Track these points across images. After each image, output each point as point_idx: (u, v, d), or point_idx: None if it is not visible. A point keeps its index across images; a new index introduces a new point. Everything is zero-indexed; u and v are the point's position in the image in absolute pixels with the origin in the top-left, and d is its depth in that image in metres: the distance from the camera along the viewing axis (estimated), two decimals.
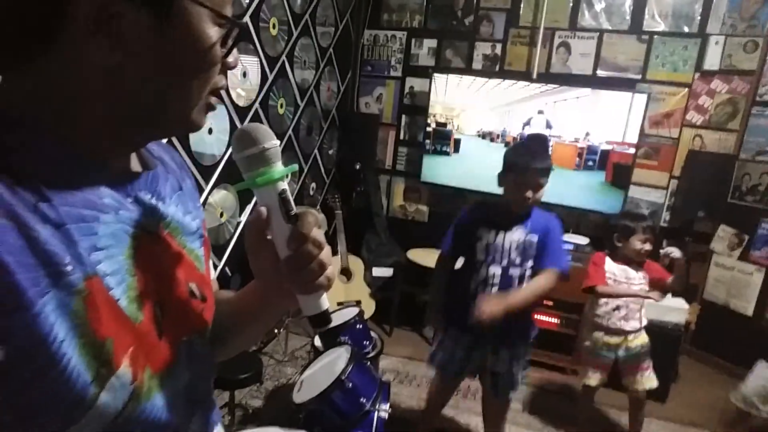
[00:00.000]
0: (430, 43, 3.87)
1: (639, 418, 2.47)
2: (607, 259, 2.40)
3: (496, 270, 2.02)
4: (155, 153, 0.67)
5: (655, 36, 3.43)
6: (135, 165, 0.61)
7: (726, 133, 3.41)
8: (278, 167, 0.61)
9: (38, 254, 0.42)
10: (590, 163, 3.42)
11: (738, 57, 3.32)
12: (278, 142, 0.61)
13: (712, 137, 3.43)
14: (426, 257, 3.57)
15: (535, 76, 3.61)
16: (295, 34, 3.11)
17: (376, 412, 1.87)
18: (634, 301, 2.35)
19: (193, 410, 0.63)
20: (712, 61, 3.37)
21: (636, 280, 2.36)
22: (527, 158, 1.95)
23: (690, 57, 3.39)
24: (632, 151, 3.33)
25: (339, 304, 2.93)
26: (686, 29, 3.38)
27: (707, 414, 2.84)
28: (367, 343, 2.31)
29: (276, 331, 3.22)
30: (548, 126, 3.46)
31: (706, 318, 3.43)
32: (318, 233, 0.61)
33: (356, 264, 3.61)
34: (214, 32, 0.52)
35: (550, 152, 2.04)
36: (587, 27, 3.55)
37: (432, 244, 3.72)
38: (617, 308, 2.36)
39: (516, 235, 1.99)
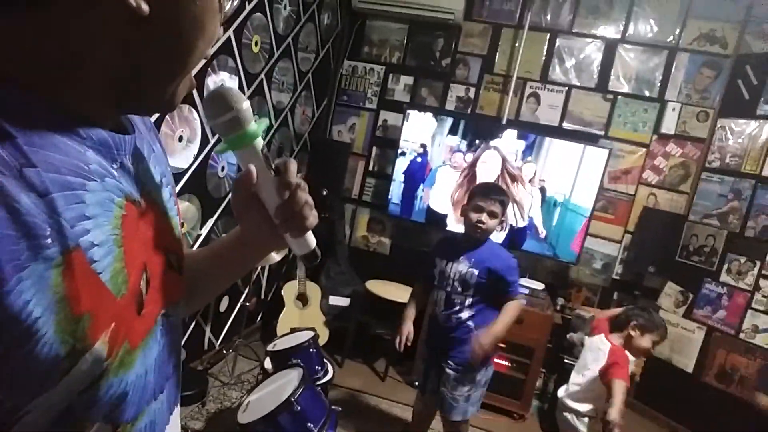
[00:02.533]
0: (406, 79, 3.97)
1: None
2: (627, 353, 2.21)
3: (442, 294, 2.26)
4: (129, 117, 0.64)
5: (619, 96, 3.63)
6: (116, 129, 0.57)
7: (678, 194, 3.59)
8: (254, 126, 0.63)
9: (18, 226, 0.39)
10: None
11: (691, 124, 3.54)
12: (248, 101, 0.62)
13: (665, 197, 3.61)
14: (385, 289, 3.56)
15: (504, 121, 3.74)
16: (276, 54, 3.14)
17: None
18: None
19: (162, 385, 0.61)
20: (668, 126, 3.58)
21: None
22: (482, 187, 2.30)
23: (649, 119, 3.60)
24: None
25: (292, 329, 2.87)
26: (647, 93, 3.59)
27: None
28: (320, 368, 2.27)
29: (224, 351, 3.11)
30: (504, 161, 3.54)
31: (650, 372, 3.52)
32: (299, 178, 0.66)
33: (314, 291, 3.57)
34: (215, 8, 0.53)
35: (506, 196, 2.23)
36: (557, 81, 3.72)
37: (392, 277, 3.73)
38: None
39: (460, 267, 2.21)
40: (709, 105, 3.50)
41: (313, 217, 0.68)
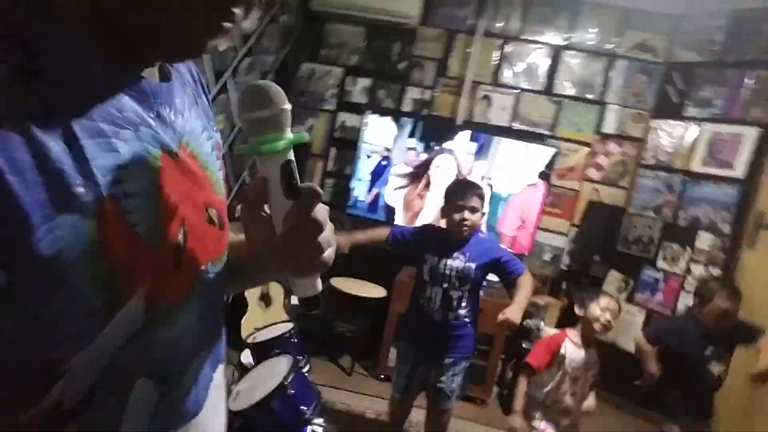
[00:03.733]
0: (364, 81, 4.07)
1: None
2: (567, 342, 2.27)
3: (437, 292, 2.23)
4: (175, 66, 0.61)
5: (564, 99, 3.89)
6: (154, 75, 0.55)
7: (618, 189, 3.90)
8: (287, 134, 0.55)
9: (47, 173, 0.38)
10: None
11: (629, 125, 3.85)
12: (290, 105, 0.56)
13: (607, 191, 3.91)
14: (348, 285, 3.63)
15: (459, 122, 3.92)
16: (240, 54, 3.15)
17: (310, 427, 1.89)
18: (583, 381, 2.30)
19: (202, 344, 0.59)
20: (609, 126, 3.88)
21: (584, 365, 2.28)
22: (460, 184, 2.33)
23: (591, 121, 3.88)
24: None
25: (256, 329, 2.89)
26: (589, 96, 3.87)
27: None
28: (302, 358, 2.32)
29: None
30: (458, 169, 3.71)
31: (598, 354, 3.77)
32: (321, 212, 0.57)
33: (277, 291, 3.58)
34: None
35: (482, 189, 2.30)
36: (507, 84, 3.94)
37: (353, 275, 3.81)
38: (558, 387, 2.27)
39: (456, 263, 2.21)
40: (643, 107, 3.83)
41: (321, 262, 0.58)
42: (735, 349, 2.67)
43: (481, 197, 2.22)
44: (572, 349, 2.27)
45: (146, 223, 0.46)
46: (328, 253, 0.59)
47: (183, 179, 0.53)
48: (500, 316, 2.03)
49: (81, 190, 0.40)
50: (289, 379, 1.78)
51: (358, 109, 3.96)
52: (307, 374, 2.34)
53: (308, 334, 3.53)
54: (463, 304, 2.24)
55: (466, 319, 2.27)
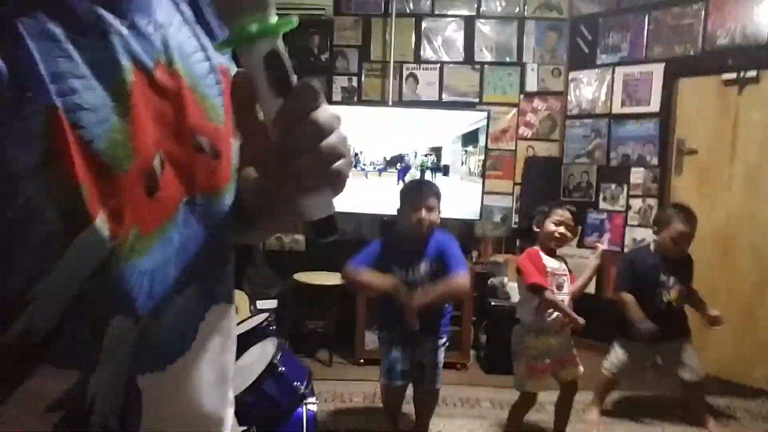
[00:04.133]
0: None
1: (568, 406, 2.52)
2: (542, 254, 2.38)
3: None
4: None
5: (485, 66, 4.03)
6: None
7: (551, 143, 4.08)
8: (274, 20, 0.46)
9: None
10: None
11: (549, 81, 4.05)
12: None
13: (541, 146, 4.08)
14: (313, 277, 3.59)
15: (390, 103, 3.97)
16: None
17: (305, 407, 1.85)
18: (566, 288, 2.43)
19: (186, 279, 0.52)
20: (531, 85, 4.05)
21: (563, 270, 2.42)
22: (414, 184, 2.39)
23: (514, 82, 4.04)
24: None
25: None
26: (507, 59, 4.03)
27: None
28: (284, 341, 2.26)
29: None
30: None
31: None
32: (322, 114, 0.45)
33: (241, 299, 3.49)
34: None
35: (437, 188, 2.32)
36: (430, 59, 4.04)
37: (314, 268, 3.77)
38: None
39: (422, 269, 2.24)
40: (559, 62, 4.03)
41: (339, 168, 0.46)
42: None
43: (438, 196, 2.24)
44: (548, 259, 2.38)
45: (106, 141, 0.42)
46: (341, 164, 0.46)
47: (162, 100, 0.48)
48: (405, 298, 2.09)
49: (29, 94, 0.37)
50: (278, 358, 1.74)
51: None
52: None
53: (279, 337, 3.47)
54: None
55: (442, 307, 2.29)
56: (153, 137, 0.46)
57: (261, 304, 3.61)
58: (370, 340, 3.43)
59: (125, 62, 0.44)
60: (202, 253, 0.54)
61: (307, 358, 3.54)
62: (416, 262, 2.24)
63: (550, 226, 2.37)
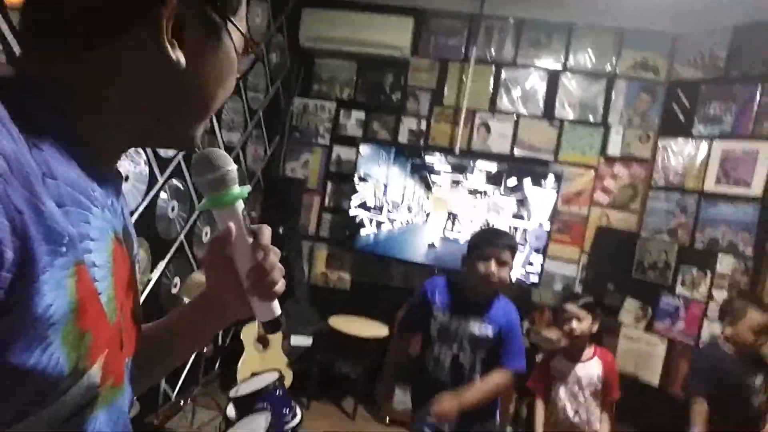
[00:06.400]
0: (358, 114, 4.00)
1: None
2: (557, 359, 2.26)
3: (447, 355, 1.98)
4: None
5: (565, 122, 3.76)
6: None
7: (629, 213, 3.70)
8: (238, 188, 0.67)
9: (42, 228, 0.39)
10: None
11: (635, 146, 3.69)
12: (235, 166, 0.67)
13: (617, 216, 3.71)
14: (348, 324, 3.47)
15: (457, 151, 3.79)
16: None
17: None
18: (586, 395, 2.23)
19: None
20: (614, 148, 3.72)
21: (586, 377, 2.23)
22: (490, 234, 2.05)
23: (595, 143, 3.73)
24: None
25: (254, 374, 2.73)
26: (591, 119, 3.73)
27: None
28: (287, 411, 2.13)
29: (182, 403, 2.91)
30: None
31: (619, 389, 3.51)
32: (274, 249, 0.69)
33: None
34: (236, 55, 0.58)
35: (515, 241, 2.07)
36: (505, 110, 3.83)
37: (354, 312, 3.64)
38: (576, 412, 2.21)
39: (471, 326, 1.96)
40: (649, 127, 3.67)
41: (281, 284, 0.69)
42: None
43: (513, 249, 1.95)
44: (564, 364, 2.24)
45: (106, 296, 0.48)
46: (283, 280, 0.70)
47: (125, 268, 0.56)
48: (436, 406, 1.82)
49: (64, 249, 0.41)
50: None
51: (353, 142, 3.87)
52: (300, 424, 2.16)
53: (308, 376, 3.36)
54: (476, 375, 1.96)
55: None
56: (120, 297, 0.53)
57: (295, 340, 3.53)
58: (400, 399, 3.23)
59: (111, 233, 0.52)
60: (128, 418, 0.59)
61: (331, 404, 3.40)
62: (469, 314, 1.96)
63: (565, 326, 2.23)
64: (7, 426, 0.40)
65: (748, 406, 2.26)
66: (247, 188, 0.69)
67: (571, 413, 2.23)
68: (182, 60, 0.50)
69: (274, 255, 0.68)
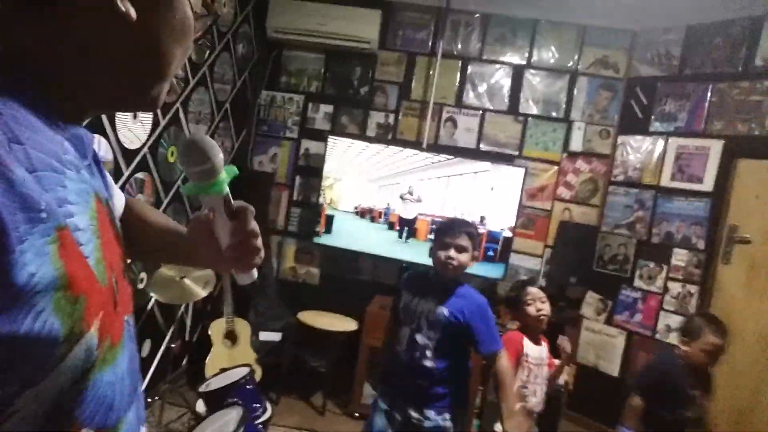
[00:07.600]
0: (326, 108, 3.97)
1: None
2: (526, 341, 2.29)
3: (406, 332, 2.06)
4: None
5: (529, 118, 3.84)
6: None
7: (589, 208, 3.82)
8: (224, 175, 0.68)
9: (15, 197, 0.39)
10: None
11: (596, 142, 3.80)
12: (222, 155, 0.67)
13: (579, 210, 3.83)
14: (318, 320, 3.47)
15: (425, 146, 3.83)
16: (192, 83, 3.03)
17: None
18: (541, 378, 2.31)
19: (131, 396, 0.59)
20: (576, 144, 3.82)
21: (541, 361, 2.31)
22: (448, 224, 2.15)
23: (558, 139, 3.82)
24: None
25: (222, 370, 2.70)
26: (554, 114, 3.82)
27: None
28: (258, 406, 2.12)
29: (149, 400, 2.86)
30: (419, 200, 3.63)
31: (580, 380, 3.64)
32: (254, 223, 0.73)
33: (243, 327, 3.39)
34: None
35: (473, 228, 2.12)
36: (471, 105, 3.88)
37: (324, 307, 3.64)
38: (524, 386, 2.26)
39: (429, 304, 2.03)
40: (609, 123, 3.79)
41: (259, 258, 0.75)
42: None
43: (472, 236, 2.02)
44: (530, 346, 2.29)
45: (94, 258, 0.48)
46: (261, 254, 0.76)
47: (111, 228, 0.57)
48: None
49: (44, 215, 0.41)
50: None
51: (321, 136, 3.85)
52: (270, 419, 2.16)
53: (277, 371, 3.35)
54: (428, 354, 1.99)
55: (435, 374, 1.99)
56: (110, 258, 0.53)
57: (264, 335, 3.51)
58: (369, 393, 3.26)
59: (91, 193, 0.52)
60: (137, 372, 0.62)
61: (300, 400, 3.40)
62: (428, 295, 2.04)
63: (531, 309, 2.28)
64: (10, 402, 0.40)
65: (679, 414, 2.36)
66: (233, 171, 0.70)
67: (529, 394, 2.29)
68: (132, 12, 0.50)
69: (254, 235, 0.73)
